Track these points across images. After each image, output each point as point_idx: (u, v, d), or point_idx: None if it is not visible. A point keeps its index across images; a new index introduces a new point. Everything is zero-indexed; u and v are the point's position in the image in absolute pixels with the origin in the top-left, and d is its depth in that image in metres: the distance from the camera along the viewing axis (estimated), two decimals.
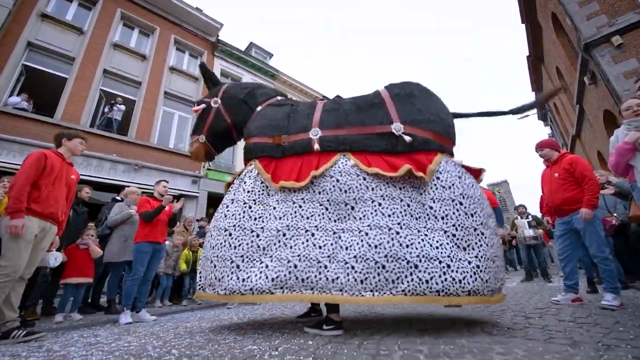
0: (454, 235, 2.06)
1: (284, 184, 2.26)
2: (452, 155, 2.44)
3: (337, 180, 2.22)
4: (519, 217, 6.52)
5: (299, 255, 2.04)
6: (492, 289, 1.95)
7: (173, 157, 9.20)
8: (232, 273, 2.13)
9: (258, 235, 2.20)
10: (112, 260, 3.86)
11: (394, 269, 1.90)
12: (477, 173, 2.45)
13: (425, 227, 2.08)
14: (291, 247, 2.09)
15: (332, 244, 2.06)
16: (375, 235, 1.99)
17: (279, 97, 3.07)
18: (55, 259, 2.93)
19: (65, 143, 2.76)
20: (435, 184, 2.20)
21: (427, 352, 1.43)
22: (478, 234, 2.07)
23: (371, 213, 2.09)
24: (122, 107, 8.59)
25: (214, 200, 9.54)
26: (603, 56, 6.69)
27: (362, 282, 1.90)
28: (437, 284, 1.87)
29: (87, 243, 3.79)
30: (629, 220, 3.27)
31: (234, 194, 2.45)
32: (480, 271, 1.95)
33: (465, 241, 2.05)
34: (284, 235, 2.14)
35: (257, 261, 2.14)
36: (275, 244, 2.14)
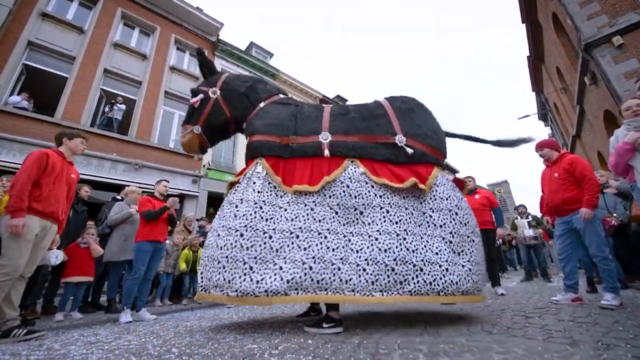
0: (450, 242, 2.31)
1: (298, 188, 2.27)
2: (444, 168, 2.70)
3: (348, 186, 2.32)
4: (519, 217, 6.53)
5: (313, 257, 2.07)
6: (479, 288, 2.28)
7: (173, 157, 9.21)
8: (244, 275, 2.06)
9: (271, 237, 2.16)
10: (112, 259, 3.86)
11: (402, 271, 2.08)
12: (460, 184, 2.77)
13: (426, 234, 2.29)
14: (305, 249, 2.10)
15: (343, 247, 2.14)
16: (385, 240, 2.15)
17: (281, 95, 3.04)
18: (56, 257, 2.93)
19: (66, 142, 2.76)
20: (434, 195, 2.44)
21: (427, 351, 1.43)
22: (470, 241, 2.38)
23: (380, 219, 2.24)
24: (123, 106, 8.60)
25: (214, 200, 9.55)
26: (603, 56, 6.69)
27: (373, 283, 2.03)
28: (438, 285, 2.09)
29: (88, 242, 3.80)
30: (630, 220, 3.27)
31: (243, 194, 2.36)
32: (472, 274, 2.24)
33: (460, 247, 2.32)
34: (297, 237, 2.15)
35: (270, 263, 2.09)
36: (288, 246, 2.13)
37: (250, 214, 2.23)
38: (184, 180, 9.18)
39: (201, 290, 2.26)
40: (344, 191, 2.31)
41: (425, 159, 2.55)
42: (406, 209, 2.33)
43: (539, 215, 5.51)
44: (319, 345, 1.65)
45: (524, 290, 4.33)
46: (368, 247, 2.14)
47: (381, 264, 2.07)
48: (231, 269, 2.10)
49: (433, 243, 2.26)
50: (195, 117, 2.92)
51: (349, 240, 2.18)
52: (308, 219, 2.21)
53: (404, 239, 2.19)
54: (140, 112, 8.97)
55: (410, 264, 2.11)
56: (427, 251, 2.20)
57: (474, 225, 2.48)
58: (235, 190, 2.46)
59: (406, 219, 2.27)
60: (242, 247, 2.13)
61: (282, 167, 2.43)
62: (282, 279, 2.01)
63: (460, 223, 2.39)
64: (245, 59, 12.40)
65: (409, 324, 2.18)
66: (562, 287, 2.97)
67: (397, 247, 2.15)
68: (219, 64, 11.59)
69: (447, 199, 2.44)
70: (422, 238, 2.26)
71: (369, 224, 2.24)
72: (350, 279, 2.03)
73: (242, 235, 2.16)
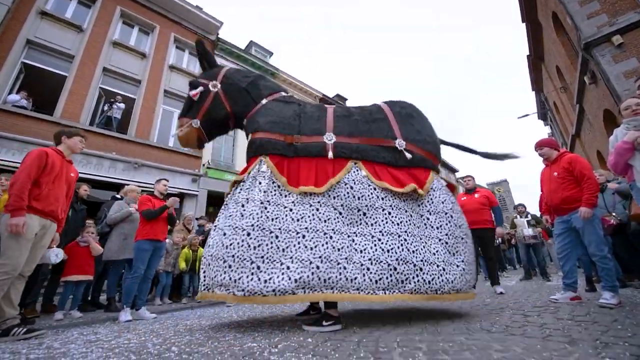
0: (446, 243, 2.46)
1: (305, 190, 2.31)
2: (438, 172, 2.84)
3: (351, 188, 2.40)
4: (518, 216, 6.54)
5: (320, 257, 2.11)
6: (471, 287, 2.45)
7: (173, 156, 9.20)
8: (252, 274, 2.05)
9: (277, 237, 2.17)
10: (111, 258, 3.86)
11: (403, 271, 2.18)
12: (452, 188, 2.92)
13: (424, 235, 2.43)
14: (312, 249, 2.14)
15: (348, 247, 2.21)
16: (387, 241, 2.25)
17: (283, 93, 3.02)
18: (57, 255, 2.93)
19: (65, 141, 2.75)
20: (431, 199, 2.59)
21: (426, 349, 1.43)
22: (464, 242, 2.55)
23: (382, 220, 2.33)
24: (122, 105, 8.58)
25: (214, 199, 9.55)
26: (603, 55, 6.69)
27: (376, 282, 2.11)
28: (436, 284, 2.22)
29: (88, 240, 3.80)
30: (631, 219, 3.28)
31: (249, 194, 2.34)
32: (465, 273, 2.40)
33: (455, 248, 2.48)
34: (304, 237, 2.18)
35: (277, 262, 2.10)
36: (295, 246, 2.15)
37: (257, 214, 2.22)
38: (183, 179, 9.17)
39: (204, 289, 2.21)
40: (347, 193, 2.37)
41: (423, 163, 2.68)
42: (406, 211, 2.43)
43: (539, 214, 5.52)
44: (319, 344, 1.66)
45: (523, 289, 4.34)
46: (371, 248, 2.21)
47: (384, 263, 2.16)
48: (238, 268, 2.08)
49: (431, 244, 2.40)
50: (194, 110, 2.85)
51: (353, 240, 2.24)
52: (314, 219, 2.25)
53: (405, 240, 2.29)
54: (140, 111, 8.96)
55: (411, 263, 2.21)
56: (425, 252, 2.32)
57: (466, 227, 2.68)
58: (240, 189, 2.42)
59: (406, 221, 2.38)
60: (249, 246, 2.12)
61: (286, 166, 2.44)
62: (289, 278, 2.03)
63: (455, 225, 2.56)
64: (244, 57, 12.37)
65: (408, 323, 2.19)
66: (561, 286, 2.98)
67: (398, 247, 2.24)
68: (219, 62, 11.57)
69: (442, 203, 2.60)
70: (421, 239, 2.38)
71: (372, 224, 2.32)
72: (355, 278, 2.09)
73: (249, 234, 2.15)
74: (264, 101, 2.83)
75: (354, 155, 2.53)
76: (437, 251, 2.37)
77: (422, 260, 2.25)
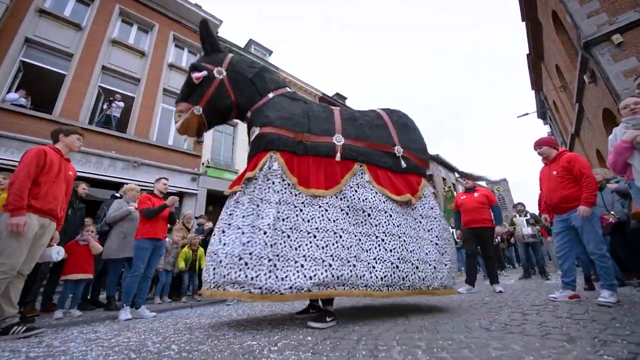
0: (437, 244, 2.75)
1: (316, 193, 2.39)
2: (428, 179, 3.12)
3: (356, 191, 2.55)
4: (517, 215, 6.54)
5: (332, 255, 2.21)
6: (454, 283, 2.80)
7: (172, 155, 9.18)
8: (269, 272, 2.07)
9: (289, 236, 2.23)
10: (111, 256, 3.86)
11: (404, 269, 2.40)
12: (435, 196, 3.20)
13: (419, 237, 2.69)
14: (323, 248, 2.23)
15: (356, 245, 2.34)
16: (390, 241, 2.46)
17: (288, 89, 3.01)
18: (58, 253, 2.93)
19: (63, 139, 2.74)
20: (423, 204, 2.89)
21: (425, 347, 1.44)
22: (450, 243, 2.89)
23: (385, 222, 2.52)
24: (121, 104, 8.56)
25: (213, 198, 9.54)
26: (603, 54, 6.69)
27: (382, 279, 2.29)
28: (428, 280, 2.53)
29: (87, 239, 3.80)
30: (631, 217, 3.28)
31: (263, 193, 2.34)
32: (451, 271, 2.75)
33: (443, 249, 2.79)
34: (315, 237, 2.26)
35: (291, 260, 2.16)
36: (306, 245, 2.23)
37: (273, 214, 2.24)
38: (183, 178, 9.16)
39: (213, 287, 2.15)
40: (353, 195, 2.51)
41: (417, 170, 2.96)
42: (403, 214, 2.68)
43: (538, 213, 5.53)
44: (318, 342, 1.66)
45: (522, 287, 4.35)
46: (376, 247, 2.39)
47: (388, 262, 2.35)
48: (255, 265, 2.09)
49: (424, 245, 2.68)
50: (196, 96, 2.72)
51: (359, 240, 2.39)
52: (323, 219, 2.34)
53: (405, 241, 2.52)
54: (139, 110, 8.93)
55: (409, 262, 2.45)
56: (420, 252, 2.59)
57: (449, 229, 3.10)
58: (254, 187, 2.39)
59: (404, 223, 2.62)
60: (266, 244, 2.14)
61: (296, 164, 2.46)
62: (305, 276, 2.10)
63: (443, 228, 2.88)
64: (244, 56, 12.35)
65: (407, 321, 2.19)
66: (559, 285, 2.99)
67: (399, 247, 2.45)
68: None
69: (432, 209, 2.90)
70: (416, 240, 2.64)
71: (376, 225, 2.48)
72: (364, 275, 2.25)
73: (265, 233, 2.18)
74: (270, 95, 2.80)
75: (360, 158, 2.65)
76: (429, 251, 2.66)
77: (418, 260, 2.51)
